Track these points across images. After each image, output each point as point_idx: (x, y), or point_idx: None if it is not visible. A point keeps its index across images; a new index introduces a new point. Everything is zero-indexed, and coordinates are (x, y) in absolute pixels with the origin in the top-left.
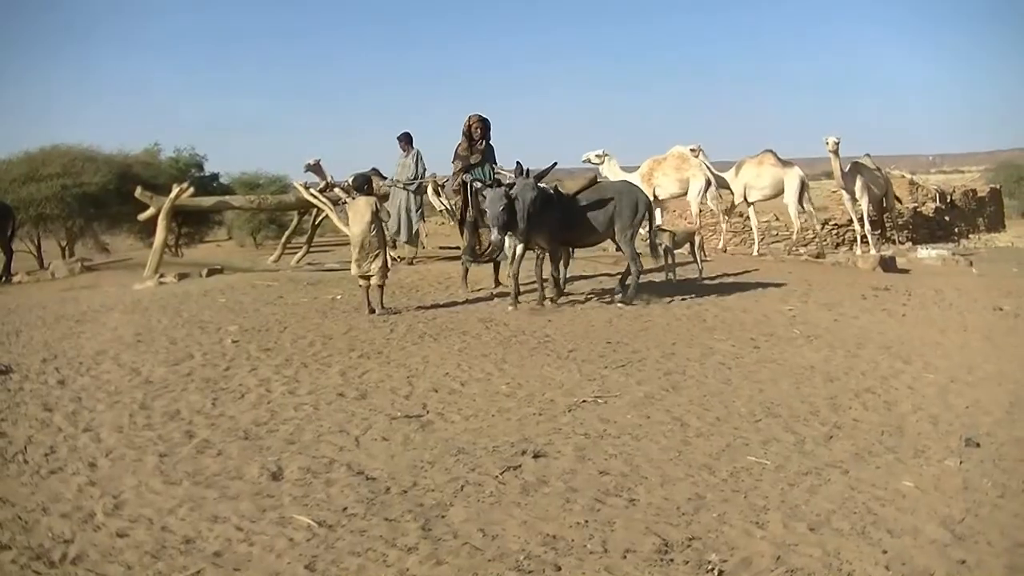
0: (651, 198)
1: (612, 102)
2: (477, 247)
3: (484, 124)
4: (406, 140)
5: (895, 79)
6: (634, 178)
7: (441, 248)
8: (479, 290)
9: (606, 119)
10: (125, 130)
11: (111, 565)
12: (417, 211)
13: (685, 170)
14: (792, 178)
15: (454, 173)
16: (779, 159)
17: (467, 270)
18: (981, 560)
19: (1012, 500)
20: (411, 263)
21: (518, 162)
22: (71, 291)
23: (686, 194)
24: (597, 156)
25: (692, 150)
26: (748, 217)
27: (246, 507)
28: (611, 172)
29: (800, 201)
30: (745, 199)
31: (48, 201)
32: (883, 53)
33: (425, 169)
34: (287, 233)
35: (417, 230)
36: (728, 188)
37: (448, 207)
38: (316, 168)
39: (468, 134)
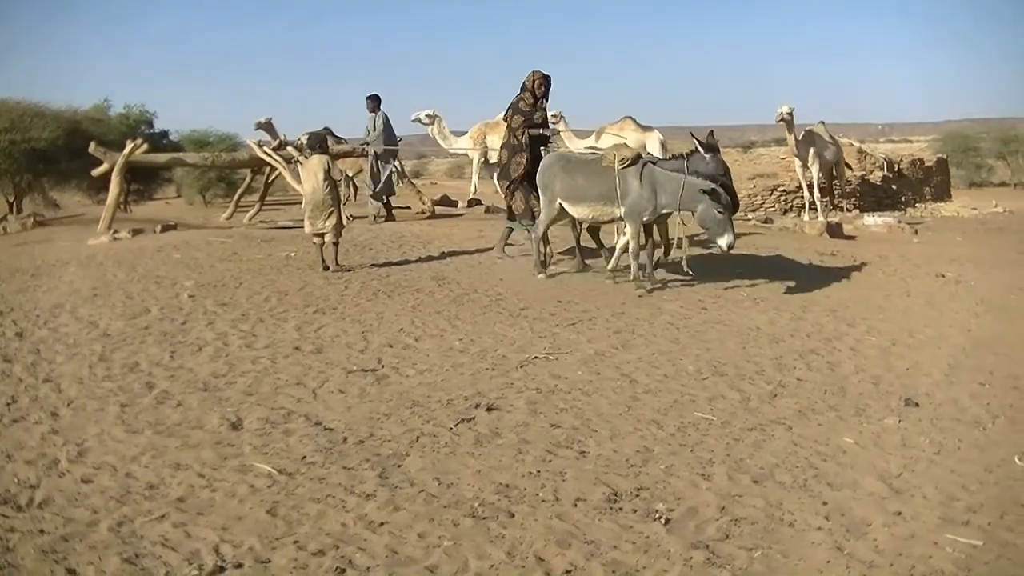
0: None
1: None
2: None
3: (547, 82)
4: (374, 101)
5: (848, 47)
6: (464, 140)
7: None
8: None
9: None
10: (74, 85)
11: (77, 509)
12: (388, 173)
13: (641, 138)
14: (653, 142)
15: (513, 128)
16: (639, 124)
17: (510, 232)
18: (916, 512)
19: (947, 457)
20: (375, 222)
21: (694, 134)
22: (24, 246)
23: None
24: (427, 116)
25: (553, 116)
26: None
27: (207, 455)
28: (440, 135)
29: None
30: None
31: None
32: (836, 21)
33: (390, 132)
34: (240, 191)
35: (380, 189)
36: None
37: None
38: (268, 127)
39: (532, 90)
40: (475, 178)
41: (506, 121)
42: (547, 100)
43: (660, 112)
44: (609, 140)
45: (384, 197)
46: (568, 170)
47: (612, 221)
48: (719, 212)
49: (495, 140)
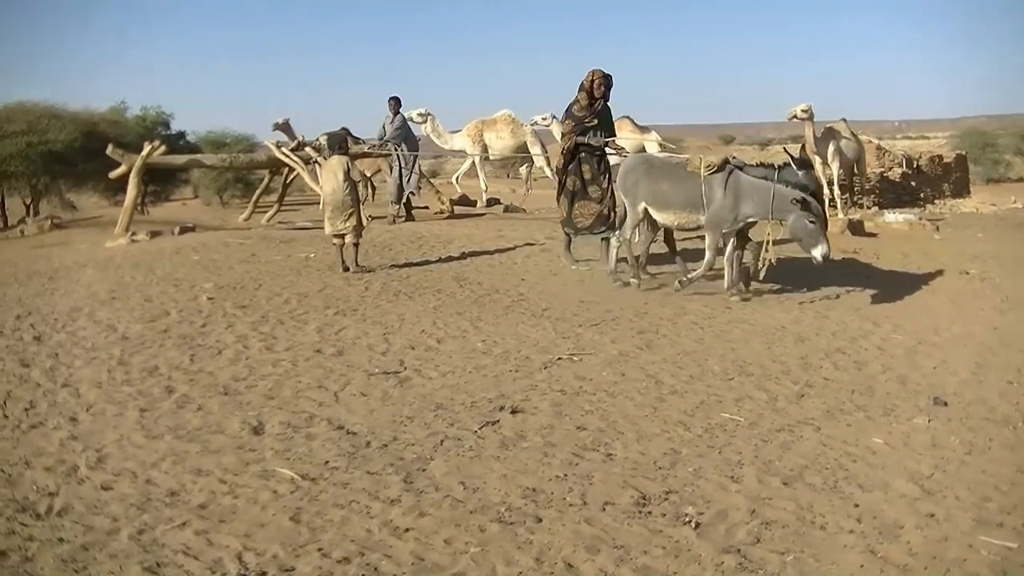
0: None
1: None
2: (579, 219)
3: (608, 82)
4: (395, 103)
5: (865, 45)
6: (461, 138)
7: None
8: (584, 261)
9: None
10: (91, 88)
11: (97, 517)
12: (410, 173)
13: (521, 135)
14: (651, 143)
15: (564, 133)
16: (637, 124)
17: (570, 240)
18: (950, 514)
19: (978, 457)
20: (393, 222)
21: (787, 150)
22: (42, 248)
23: (517, 157)
24: (419, 115)
25: (543, 119)
26: None
27: (229, 460)
28: (434, 133)
29: None
30: None
31: (12, 159)
32: (853, 19)
33: (406, 132)
34: (258, 192)
35: (399, 190)
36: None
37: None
38: (285, 127)
39: (589, 90)
40: (482, 176)
41: (563, 126)
42: (605, 102)
43: (675, 109)
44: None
45: (405, 197)
46: (652, 174)
47: (698, 228)
48: (811, 222)
49: (491, 138)
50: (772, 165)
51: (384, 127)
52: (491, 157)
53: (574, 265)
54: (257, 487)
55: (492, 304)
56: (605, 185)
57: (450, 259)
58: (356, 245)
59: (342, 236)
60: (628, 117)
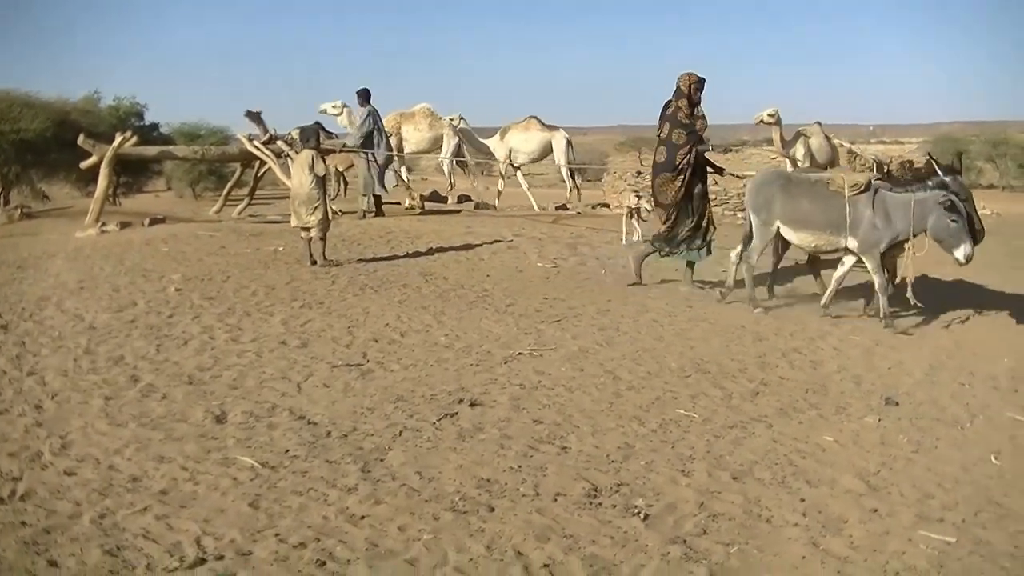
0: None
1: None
2: (679, 236)
3: (702, 85)
4: (363, 96)
5: (841, 49)
6: (361, 133)
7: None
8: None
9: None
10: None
11: (60, 502)
12: (381, 167)
13: (438, 128)
14: (559, 140)
15: (677, 145)
16: (543, 123)
17: (647, 256)
18: (893, 509)
19: (925, 455)
20: (363, 217)
21: (931, 155)
22: (11, 238)
23: (434, 151)
24: (333, 107)
25: (451, 120)
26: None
27: (191, 448)
28: (351, 125)
29: (570, 162)
30: (511, 163)
31: None
32: (829, 22)
33: (371, 126)
34: (229, 184)
35: (369, 183)
36: (487, 152)
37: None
38: (257, 119)
39: (687, 95)
40: (402, 171)
41: (658, 136)
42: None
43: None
44: (515, 138)
45: (378, 191)
46: (790, 191)
47: (835, 252)
48: (953, 222)
49: (409, 130)
50: (917, 177)
51: (353, 121)
52: (408, 151)
53: (638, 279)
54: (218, 474)
55: (456, 299)
56: (705, 200)
57: (417, 254)
58: (322, 239)
59: (308, 229)
60: (535, 117)
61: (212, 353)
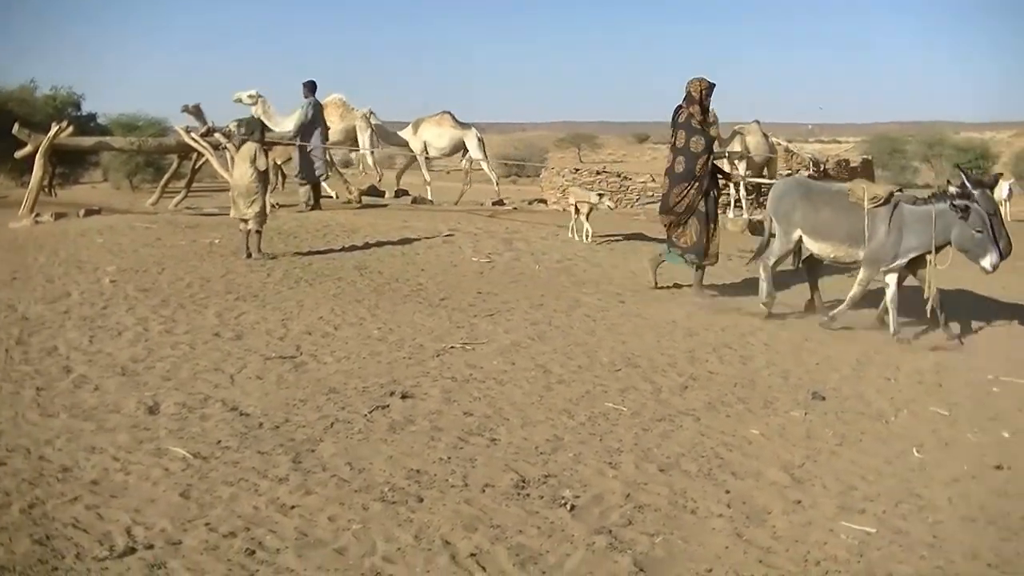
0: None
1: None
2: (707, 246)
3: (712, 91)
4: (308, 88)
5: (780, 49)
6: (291, 121)
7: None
8: (666, 287)
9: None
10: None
11: None
12: (317, 159)
13: (350, 119)
14: (472, 137)
15: (704, 155)
16: (457, 120)
17: (660, 263)
18: (816, 501)
19: (849, 448)
20: (305, 208)
21: (959, 166)
22: None
23: (346, 143)
24: (249, 97)
25: (364, 114)
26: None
27: (123, 439)
28: (266, 116)
29: (486, 158)
30: (426, 156)
31: None
32: (768, 23)
33: (307, 118)
34: (166, 176)
35: (306, 173)
36: (401, 145)
37: None
38: (196, 112)
39: (699, 101)
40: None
41: (672, 144)
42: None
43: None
44: (428, 132)
45: (314, 180)
46: (812, 200)
47: (854, 263)
48: (977, 232)
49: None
50: (943, 191)
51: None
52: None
53: (709, 300)
54: (149, 464)
55: (391, 293)
56: (716, 207)
57: (353, 248)
58: (259, 232)
59: (246, 221)
60: (449, 112)
61: (146, 344)
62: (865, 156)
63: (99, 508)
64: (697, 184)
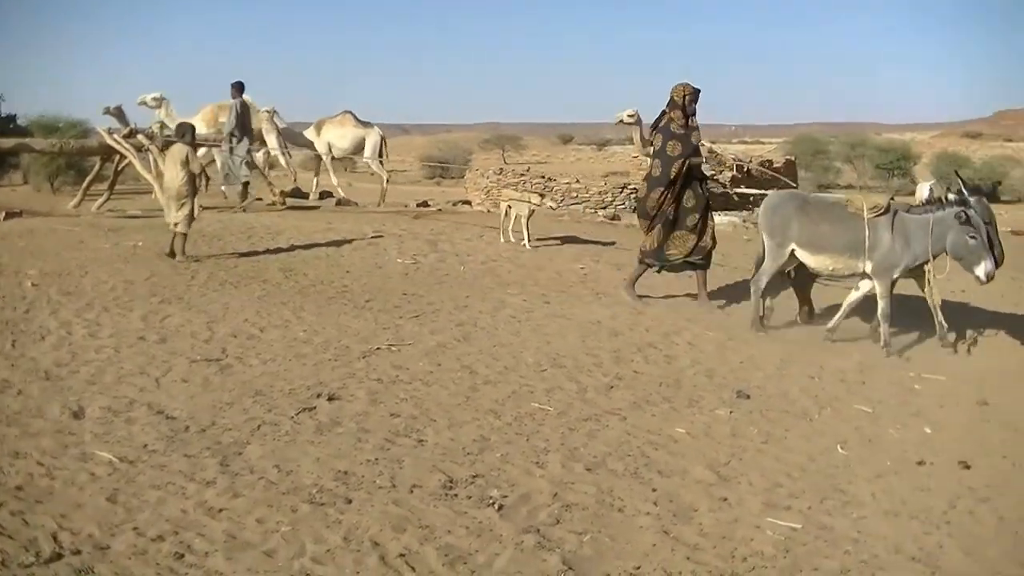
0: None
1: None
2: (672, 250)
3: (696, 96)
4: (236, 88)
5: (704, 51)
6: (195, 122)
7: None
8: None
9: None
10: None
11: None
12: (241, 160)
13: (256, 121)
14: (373, 137)
15: (679, 159)
16: (358, 119)
17: (643, 272)
18: (742, 498)
19: (774, 445)
20: (243, 210)
21: (958, 172)
22: None
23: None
24: (153, 99)
25: (267, 111)
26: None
27: (47, 444)
28: (168, 118)
29: (380, 157)
30: (330, 156)
31: None
32: (695, 26)
33: (242, 118)
34: (88, 179)
35: (229, 174)
36: (307, 146)
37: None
38: (118, 113)
39: (682, 106)
40: (221, 161)
41: (651, 146)
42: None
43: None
44: (331, 132)
45: (237, 183)
46: (807, 213)
47: (851, 276)
48: (971, 238)
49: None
50: (940, 198)
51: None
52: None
53: (636, 302)
54: (75, 469)
55: (316, 295)
56: (704, 214)
57: (278, 250)
58: (185, 235)
59: (176, 224)
60: (350, 112)
61: (70, 348)
62: (788, 157)
63: (24, 514)
64: (671, 187)
